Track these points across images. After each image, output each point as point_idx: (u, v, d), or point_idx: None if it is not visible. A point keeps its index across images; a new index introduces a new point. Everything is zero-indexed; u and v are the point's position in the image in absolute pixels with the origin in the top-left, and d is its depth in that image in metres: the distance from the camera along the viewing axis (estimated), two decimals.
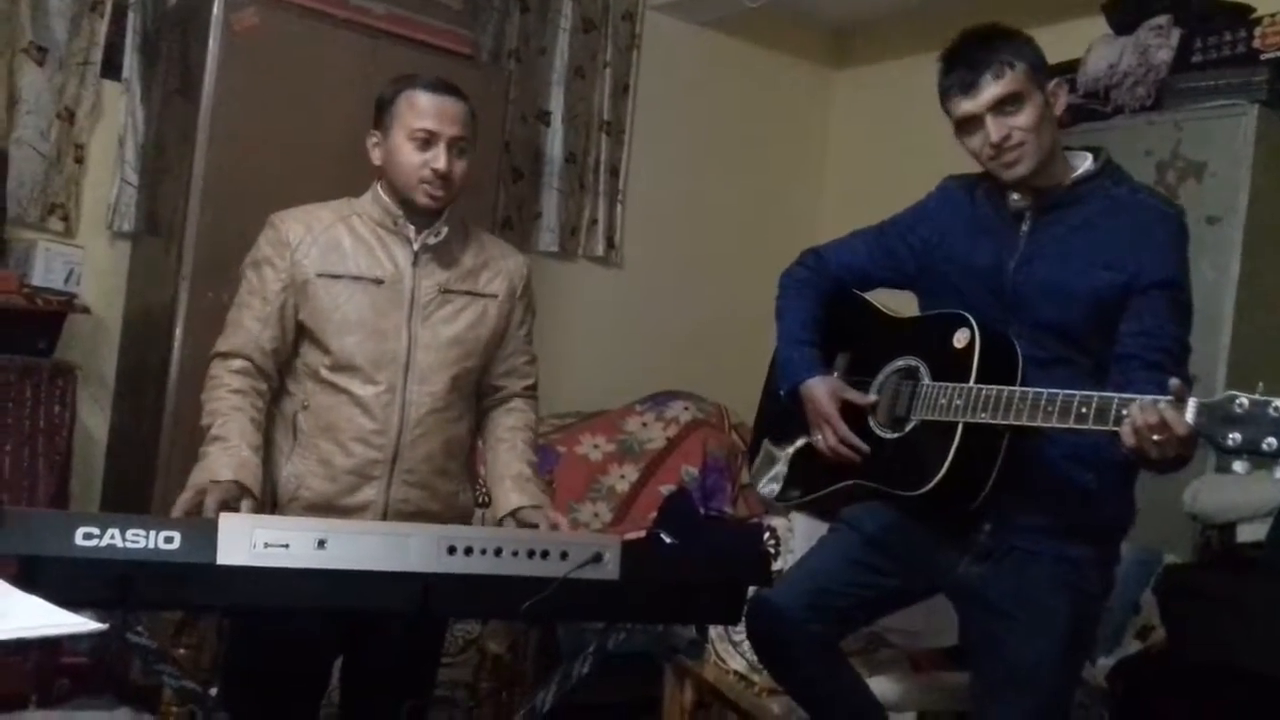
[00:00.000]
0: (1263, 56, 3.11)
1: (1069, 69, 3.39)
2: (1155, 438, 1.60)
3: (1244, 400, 1.54)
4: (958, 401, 1.84)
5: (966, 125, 1.93)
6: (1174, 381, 1.61)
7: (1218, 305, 3.03)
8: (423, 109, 2.04)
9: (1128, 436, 1.63)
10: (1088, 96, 3.38)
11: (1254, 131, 3.05)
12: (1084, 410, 1.68)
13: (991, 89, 1.88)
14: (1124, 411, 1.64)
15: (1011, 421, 1.77)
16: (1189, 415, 1.58)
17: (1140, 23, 3.31)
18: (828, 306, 2.20)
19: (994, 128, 1.88)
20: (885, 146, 4.53)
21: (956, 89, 1.91)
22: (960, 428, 1.83)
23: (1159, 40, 3.25)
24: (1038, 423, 1.74)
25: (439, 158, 2.04)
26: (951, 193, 2.11)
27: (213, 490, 1.87)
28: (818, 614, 2.09)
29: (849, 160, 4.83)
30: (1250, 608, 2.42)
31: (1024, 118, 1.88)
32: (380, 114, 2.11)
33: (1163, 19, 3.27)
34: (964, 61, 1.91)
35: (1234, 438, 1.53)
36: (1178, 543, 2.89)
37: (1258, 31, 3.13)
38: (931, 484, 1.85)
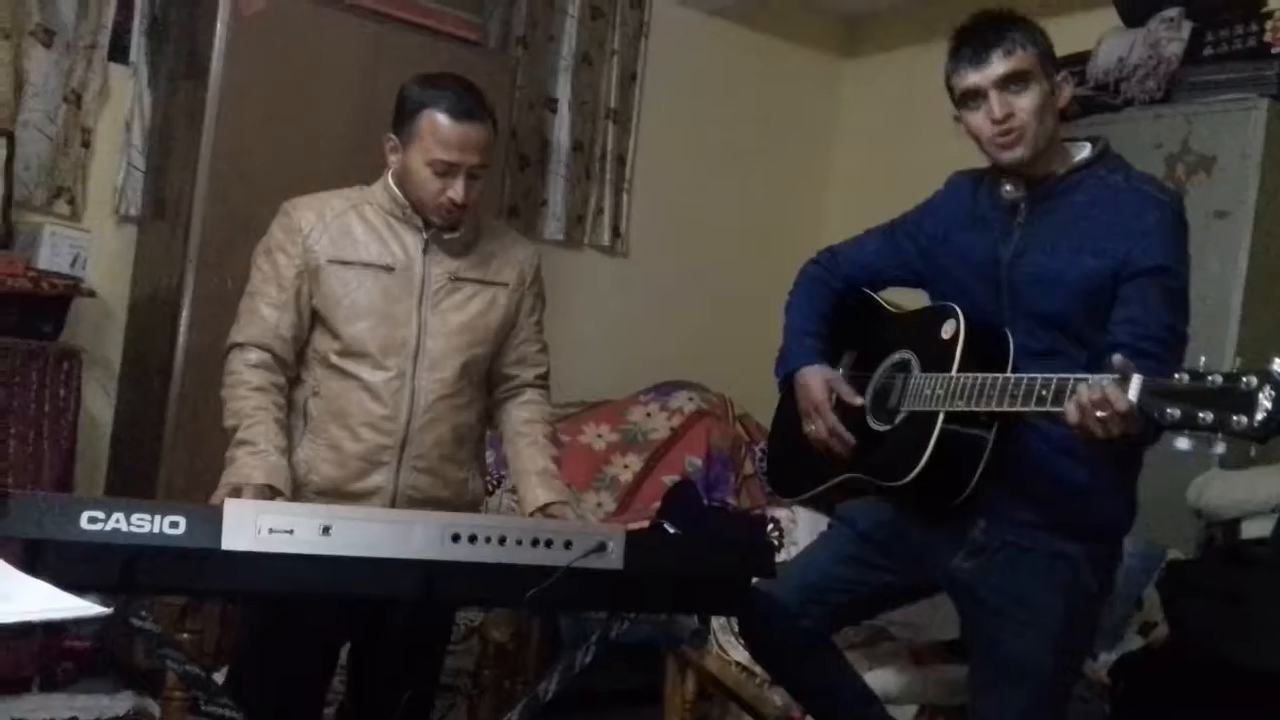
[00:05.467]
0: (1274, 50, 3.10)
1: (1079, 60, 3.38)
2: (1099, 414, 1.60)
3: (1185, 375, 1.53)
4: (939, 391, 1.85)
5: (970, 100, 1.93)
6: (1117, 358, 1.60)
7: (1225, 299, 3.03)
8: (445, 138, 1.99)
9: (1072, 414, 1.63)
10: (1098, 89, 3.37)
11: (1264, 126, 3.04)
12: (1044, 392, 1.69)
13: (1001, 64, 1.88)
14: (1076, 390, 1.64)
15: (986, 408, 1.77)
16: (1131, 392, 1.56)
17: (1151, 15, 3.30)
18: (837, 304, 2.21)
19: (998, 103, 1.88)
20: (893, 136, 4.52)
21: (966, 62, 1.92)
22: (941, 417, 1.84)
23: (1170, 33, 3.24)
24: (1005, 407, 1.74)
25: (457, 189, 2.02)
26: (957, 188, 2.11)
27: (247, 491, 1.89)
28: (810, 609, 2.10)
29: (857, 150, 4.82)
30: (1253, 604, 2.42)
31: (1028, 99, 1.88)
32: (400, 120, 2.06)
33: (1174, 11, 3.25)
34: (976, 37, 1.92)
35: (1171, 413, 1.52)
36: (1182, 538, 2.89)
37: (1269, 25, 3.12)
38: (913, 474, 1.86)
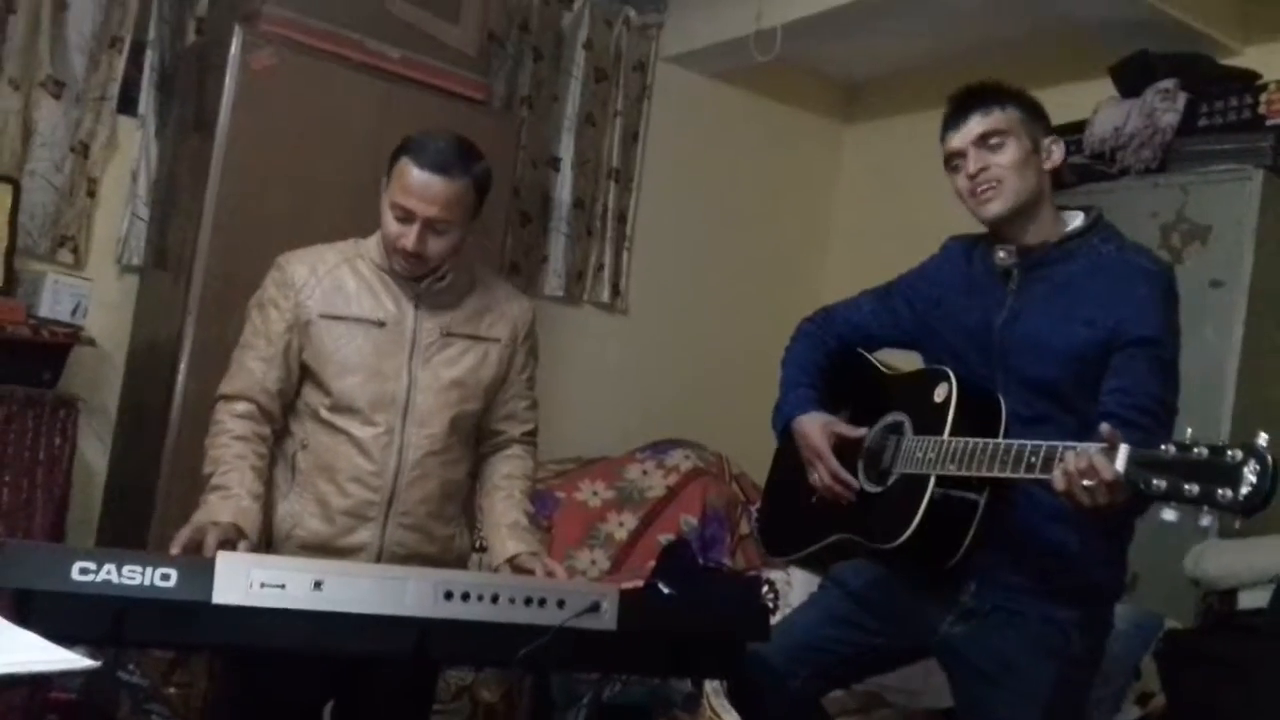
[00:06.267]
0: (1268, 122, 3.13)
1: (1076, 130, 3.42)
2: (1085, 483, 1.61)
3: (1171, 447, 1.54)
4: (931, 454, 1.86)
5: (954, 163, 2.00)
6: (1105, 427, 1.62)
7: (1220, 370, 3.03)
8: (407, 185, 2.01)
9: (1059, 480, 1.64)
10: (1094, 158, 3.40)
11: (1259, 196, 3.07)
12: (1033, 459, 1.69)
13: (978, 124, 1.96)
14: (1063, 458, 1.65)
15: (977, 472, 1.77)
16: (1119, 462, 1.58)
17: (1147, 86, 3.34)
18: (832, 362, 2.22)
19: (974, 159, 1.95)
20: (892, 200, 4.55)
21: (949, 128, 2.01)
22: (932, 481, 1.84)
23: (1165, 104, 3.28)
24: (995, 472, 1.75)
25: (409, 236, 2.02)
26: (952, 253, 2.14)
27: (212, 530, 1.87)
28: (798, 670, 2.09)
29: (856, 213, 4.85)
30: (1251, 674, 2.40)
31: (1005, 155, 1.94)
32: (388, 167, 2.09)
33: (1169, 83, 3.30)
34: (959, 103, 2.01)
35: (1157, 484, 1.53)
36: (1179, 608, 2.87)
37: (1263, 98, 3.16)
38: (903, 537, 1.85)
